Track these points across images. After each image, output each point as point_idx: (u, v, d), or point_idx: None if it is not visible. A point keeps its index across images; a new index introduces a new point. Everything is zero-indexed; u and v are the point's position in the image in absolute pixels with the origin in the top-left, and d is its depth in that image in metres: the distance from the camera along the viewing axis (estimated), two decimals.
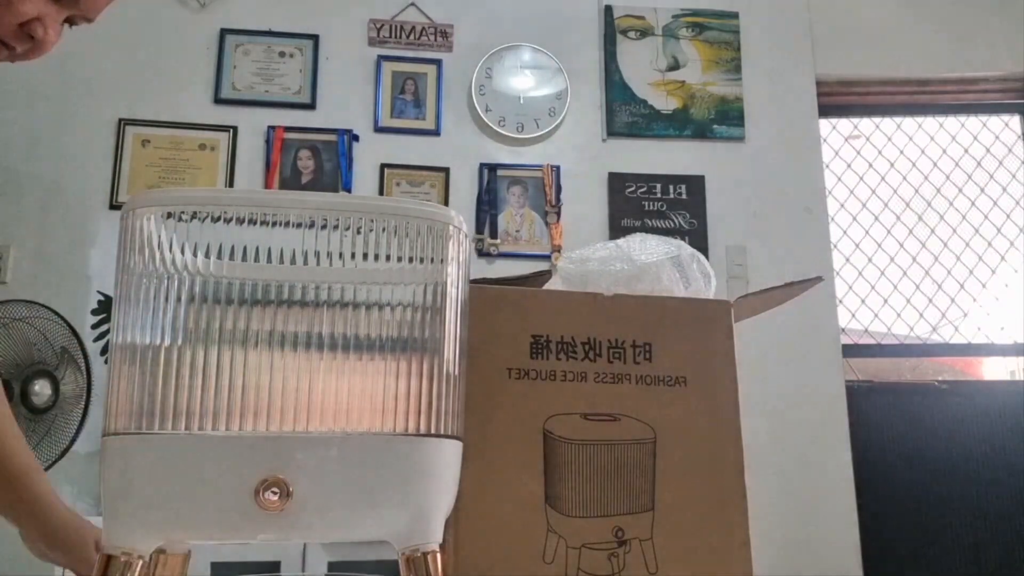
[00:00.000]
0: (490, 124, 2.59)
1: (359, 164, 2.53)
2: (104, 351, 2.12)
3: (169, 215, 0.58)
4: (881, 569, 2.39)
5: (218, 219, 0.59)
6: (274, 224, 0.59)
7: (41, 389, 1.68)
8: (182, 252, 0.57)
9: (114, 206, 2.42)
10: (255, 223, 0.59)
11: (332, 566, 1.84)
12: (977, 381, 2.81)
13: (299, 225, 0.60)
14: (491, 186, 2.55)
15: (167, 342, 0.55)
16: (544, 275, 0.75)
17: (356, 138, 2.54)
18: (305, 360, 0.57)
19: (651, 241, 0.76)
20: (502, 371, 0.66)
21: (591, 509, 0.65)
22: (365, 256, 0.59)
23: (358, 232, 0.60)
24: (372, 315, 0.58)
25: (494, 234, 2.51)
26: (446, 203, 2.52)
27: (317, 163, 2.52)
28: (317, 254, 0.59)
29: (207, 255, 0.58)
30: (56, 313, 1.73)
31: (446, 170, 2.55)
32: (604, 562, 0.64)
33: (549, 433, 0.66)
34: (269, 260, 0.59)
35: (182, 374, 0.55)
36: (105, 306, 2.15)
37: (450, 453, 0.59)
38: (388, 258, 0.59)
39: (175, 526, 0.56)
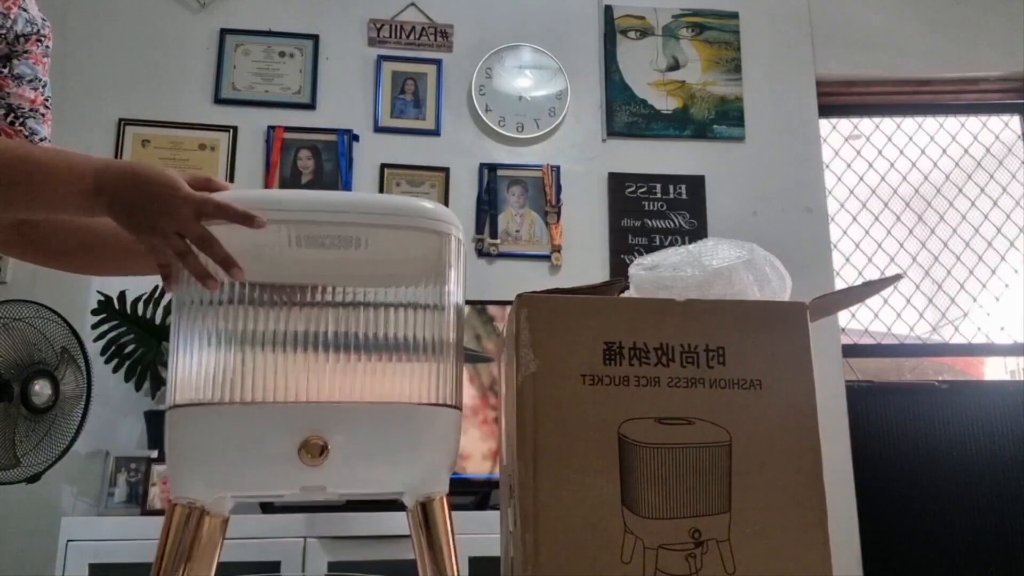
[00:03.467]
0: (490, 124, 2.59)
1: (359, 164, 2.53)
2: (104, 351, 2.12)
3: None
4: (880, 569, 2.39)
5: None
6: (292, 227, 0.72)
7: (41, 389, 1.68)
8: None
9: None
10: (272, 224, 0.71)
11: (332, 566, 1.84)
12: (977, 381, 2.81)
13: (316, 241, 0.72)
14: (491, 186, 2.55)
15: (220, 331, 0.68)
16: (617, 283, 0.76)
17: (356, 138, 2.54)
18: (331, 352, 0.70)
19: (723, 245, 0.77)
20: (577, 377, 0.68)
21: (667, 511, 0.67)
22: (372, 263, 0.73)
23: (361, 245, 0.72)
24: (385, 313, 0.71)
25: (494, 234, 2.51)
26: (446, 203, 2.52)
27: (317, 163, 2.52)
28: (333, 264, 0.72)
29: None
30: (56, 313, 1.73)
31: (446, 170, 2.55)
32: (682, 562, 0.66)
33: (624, 437, 0.68)
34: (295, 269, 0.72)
35: (235, 357, 0.67)
36: (105, 306, 2.15)
37: (451, 419, 0.72)
38: (393, 263, 0.72)
39: (231, 480, 0.68)
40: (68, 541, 1.79)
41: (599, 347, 0.69)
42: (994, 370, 2.84)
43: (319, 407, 0.67)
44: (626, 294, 0.78)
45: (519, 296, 0.70)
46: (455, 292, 0.75)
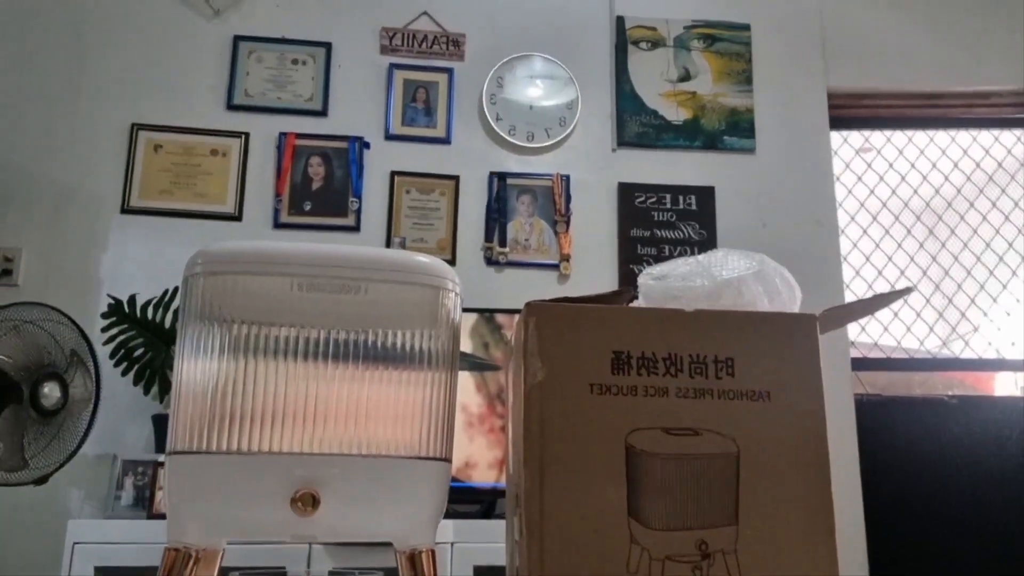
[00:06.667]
0: (500, 133, 2.59)
1: (369, 171, 2.54)
2: (113, 354, 2.13)
3: (212, 273, 0.74)
4: None
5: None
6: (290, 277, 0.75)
7: (50, 392, 1.69)
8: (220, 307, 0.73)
9: (125, 210, 2.43)
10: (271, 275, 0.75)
11: (334, 573, 1.84)
12: (987, 396, 2.79)
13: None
14: (501, 194, 2.55)
15: (219, 380, 0.71)
16: (626, 293, 0.76)
17: (367, 145, 2.55)
18: (326, 404, 0.72)
19: (732, 256, 0.77)
20: (584, 387, 0.68)
21: (674, 522, 0.67)
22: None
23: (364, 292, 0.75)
24: (382, 365, 0.74)
25: (503, 242, 2.51)
26: (455, 211, 2.52)
27: (328, 170, 2.53)
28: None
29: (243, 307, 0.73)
30: (66, 316, 1.74)
31: (456, 178, 2.55)
32: (688, 574, 0.66)
33: (631, 447, 0.68)
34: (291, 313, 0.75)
35: (233, 407, 0.70)
36: (115, 310, 2.16)
37: (442, 472, 0.74)
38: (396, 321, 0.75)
39: (226, 527, 0.71)
40: (75, 543, 1.80)
41: (607, 356, 0.69)
42: (1005, 386, 2.82)
43: (312, 459, 0.70)
44: (635, 304, 0.78)
45: (528, 304, 0.70)
46: (447, 346, 0.77)
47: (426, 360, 0.77)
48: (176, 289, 2.19)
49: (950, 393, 2.66)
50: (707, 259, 0.76)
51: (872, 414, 2.52)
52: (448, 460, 0.75)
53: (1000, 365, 2.73)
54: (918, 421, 2.55)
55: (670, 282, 0.75)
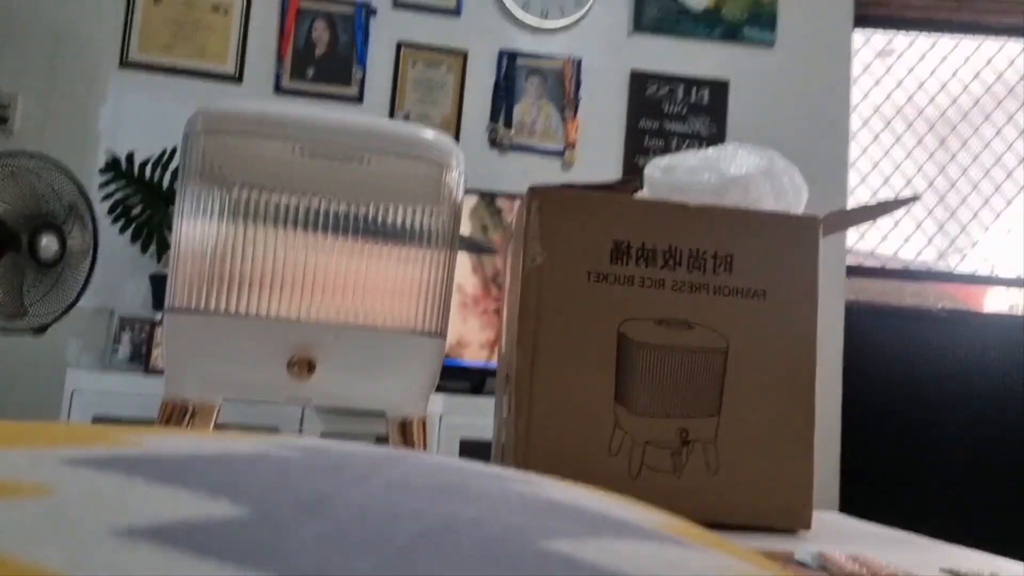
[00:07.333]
0: (513, 7, 2.50)
1: (375, 41, 2.46)
2: (112, 210, 2.12)
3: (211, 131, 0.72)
4: (858, 484, 2.47)
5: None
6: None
7: (48, 243, 1.69)
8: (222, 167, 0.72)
9: (125, 63, 2.37)
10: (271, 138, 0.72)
11: (325, 435, 1.90)
12: (977, 312, 2.82)
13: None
14: (509, 74, 2.49)
15: (218, 242, 0.70)
16: (630, 183, 0.75)
17: (374, 12, 2.46)
18: (325, 272, 0.72)
19: (742, 152, 0.75)
20: (582, 273, 0.69)
21: (658, 409, 0.68)
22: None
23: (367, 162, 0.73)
24: (382, 239, 0.73)
25: (508, 123, 2.47)
26: (462, 87, 2.46)
27: (332, 35, 2.45)
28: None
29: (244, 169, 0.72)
30: (64, 169, 1.72)
31: (465, 53, 2.48)
32: (667, 459, 0.68)
33: (623, 335, 0.69)
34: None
35: (231, 270, 0.69)
36: (112, 165, 2.13)
37: (436, 348, 0.75)
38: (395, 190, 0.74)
39: (221, 385, 0.72)
40: (73, 391, 1.85)
41: (607, 245, 0.69)
42: (996, 303, 2.85)
43: (309, 325, 0.70)
44: (639, 194, 0.77)
45: (532, 188, 0.70)
46: (448, 225, 0.77)
47: (426, 237, 0.78)
48: (175, 149, 2.16)
49: (940, 306, 2.69)
50: (716, 153, 0.75)
51: (860, 322, 2.56)
52: (443, 336, 0.76)
53: (993, 281, 2.75)
54: (905, 332, 2.59)
55: (677, 175, 0.74)
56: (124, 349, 2.12)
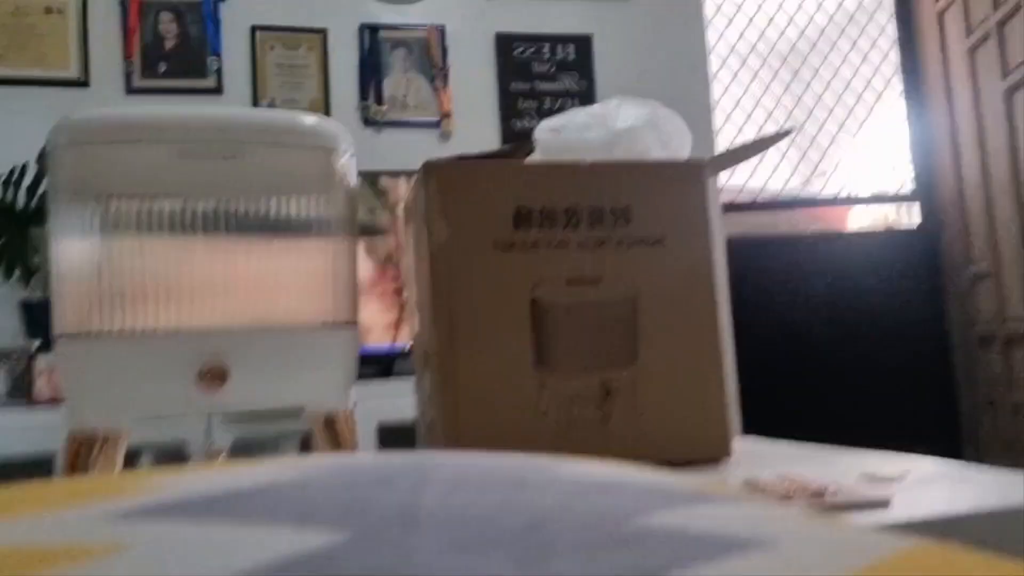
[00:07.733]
0: None
1: (227, 27, 2.35)
2: None
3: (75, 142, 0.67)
4: (757, 413, 2.61)
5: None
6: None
7: None
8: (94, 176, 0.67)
9: None
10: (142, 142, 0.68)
11: (238, 440, 1.85)
12: (843, 232, 3.01)
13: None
14: (373, 48, 2.43)
15: (102, 259, 0.66)
16: (522, 147, 0.75)
17: None
18: (224, 274, 0.69)
19: (626, 105, 0.77)
20: (488, 244, 0.69)
21: (578, 365, 0.70)
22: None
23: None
24: (278, 232, 0.71)
25: (379, 100, 2.42)
26: (325, 67, 2.40)
27: (181, 27, 2.33)
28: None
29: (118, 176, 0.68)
30: None
31: (323, 31, 2.41)
32: (593, 411, 0.70)
33: (535, 300, 0.70)
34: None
35: (119, 286, 0.65)
36: None
37: (351, 337, 0.74)
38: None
39: (130, 409, 0.68)
40: None
41: (510, 213, 0.70)
42: (858, 221, 3.04)
43: (217, 333, 0.68)
44: (532, 157, 0.78)
45: (426, 164, 0.69)
46: (343, 211, 0.75)
47: (323, 227, 0.76)
48: (25, 166, 2.01)
49: (810, 231, 2.84)
50: (602, 109, 0.77)
51: (740, 254, 2.68)
52: (355, 324, 0.75)
53: (854, 201, 2.93)
54: (782, 258, 2.73)
55: (567, 134, 0.75)
56: (1, 384, 1.98)
